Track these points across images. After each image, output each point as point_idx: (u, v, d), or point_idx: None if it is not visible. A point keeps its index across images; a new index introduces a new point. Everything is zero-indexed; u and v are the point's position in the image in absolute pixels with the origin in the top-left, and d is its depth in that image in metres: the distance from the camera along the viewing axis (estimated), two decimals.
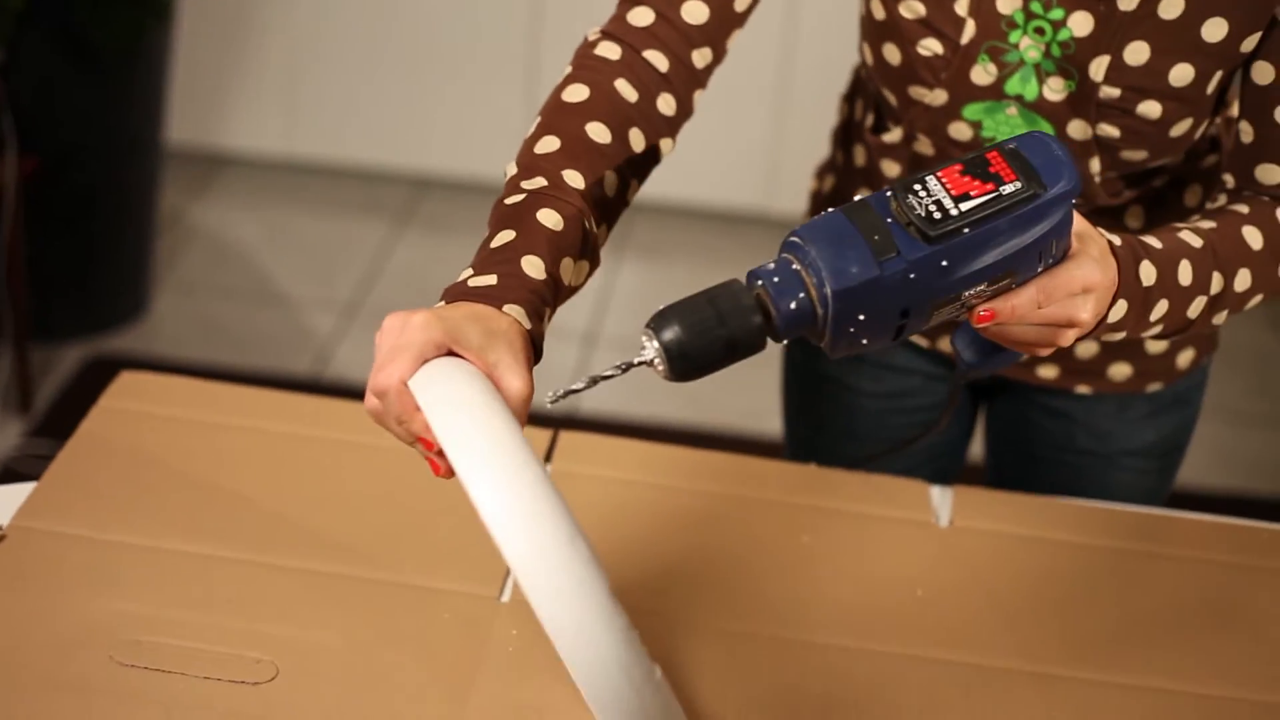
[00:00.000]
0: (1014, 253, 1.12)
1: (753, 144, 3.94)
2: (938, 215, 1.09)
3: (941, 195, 1.10)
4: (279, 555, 1.33)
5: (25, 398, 3.15)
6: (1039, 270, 1.15)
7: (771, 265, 1.10)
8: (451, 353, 1.10)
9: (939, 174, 1.11)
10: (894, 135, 1.52)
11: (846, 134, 1.66)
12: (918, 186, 1.10)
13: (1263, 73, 1.34)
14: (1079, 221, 1.19)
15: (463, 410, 1.04)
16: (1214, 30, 1.32)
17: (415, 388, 1.07)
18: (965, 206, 1.09)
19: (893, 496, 1.50)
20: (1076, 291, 1.17)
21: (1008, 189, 1.11)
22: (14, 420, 3.13)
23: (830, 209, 1.11)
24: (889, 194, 1.10)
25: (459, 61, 3.88)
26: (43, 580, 1.28)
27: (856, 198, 1.12)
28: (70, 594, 1.27)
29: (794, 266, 1.09)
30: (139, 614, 1.25)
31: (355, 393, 1.41)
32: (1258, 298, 1.35)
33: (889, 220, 1.09)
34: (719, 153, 3.89)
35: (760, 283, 1.09)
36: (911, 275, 1.09)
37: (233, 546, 1.34)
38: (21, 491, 1.37)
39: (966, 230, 1.09)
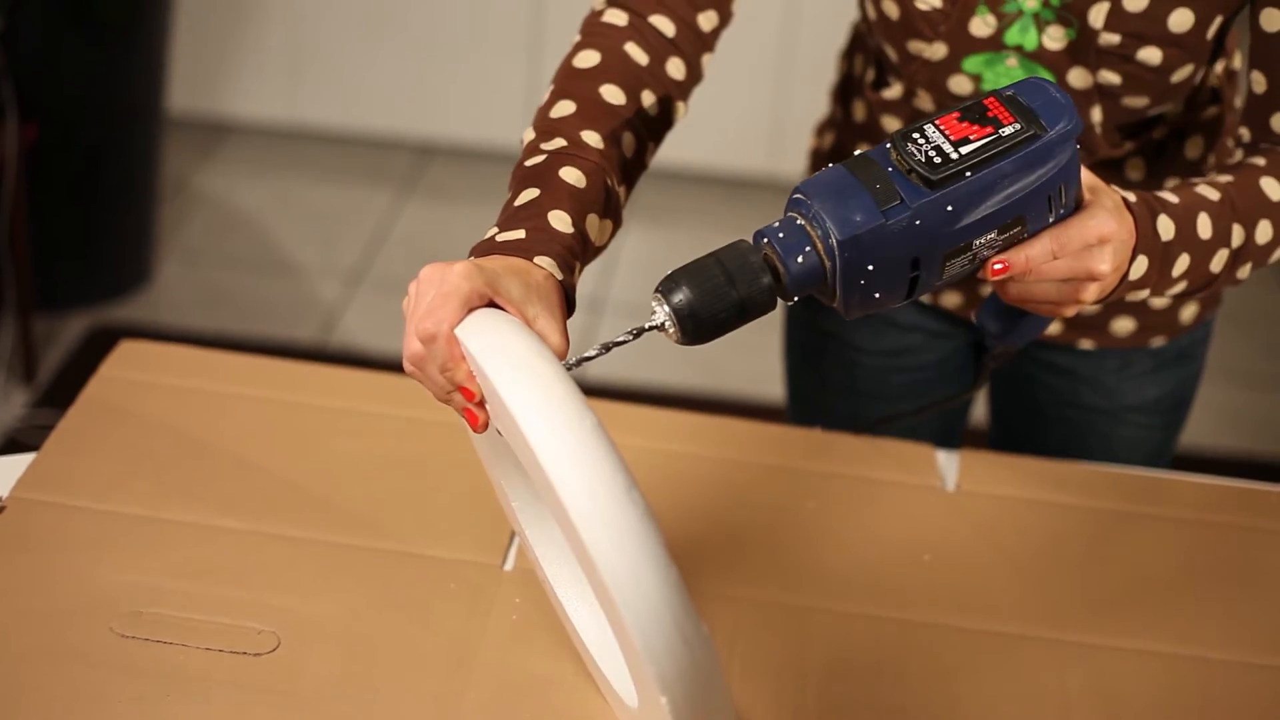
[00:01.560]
0: (1021, 197, 1.11)
1: (756, 107, 3.92)
2: (938, 160, 1.08)
3: (941, 141, 1.09)
4: (280, 525, 1.33)
5: (29, 368, 3.15)
6: (1050, 220, 1.15)
7: (777, 223, 1.10)
8: (491, 304, 1.09)
9: (937, 121, 1.11)
10: (894, 91, 1.51)
11: (846, 90, 1.65)
12: (916, 135, 1.10)
13: (1271, 20, 1.33)
14: (1090, 176, 1.18)
15: (518, 360, 1.03)
16: None
17: (463, 336, 1.06)
18: (965, 150, 1.09)
19: (898, 461, 1.49)
20: (1092, 242, 1.16)
21: (1007, 130, 1.10)
22: (18, 390, 3.13)
23: (831, 165, 1.11)
24: (889, 145, 1.10)
25: (463, 28, 3.87)
26: (43, 551, 1.27)
27: (856, 152, 1.12)
28: (70, 565, 1.26)
29: (799, 222, 1.09)
30: (139, 584, 1.24)
31: (360, 360, 1.40)
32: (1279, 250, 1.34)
33: (890, 169, 1.09)
34: (723, 117, 3.87)
35: (767, 241, 1.09)
36: (917, 222, 1.08)
37: (234, 516, 1.33)
38: (24, 462, 1.37)
39: (969, 173, 1.09)
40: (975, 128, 1.10)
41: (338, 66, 3.95)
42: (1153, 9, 1.34)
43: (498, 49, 3.87)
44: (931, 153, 1.09)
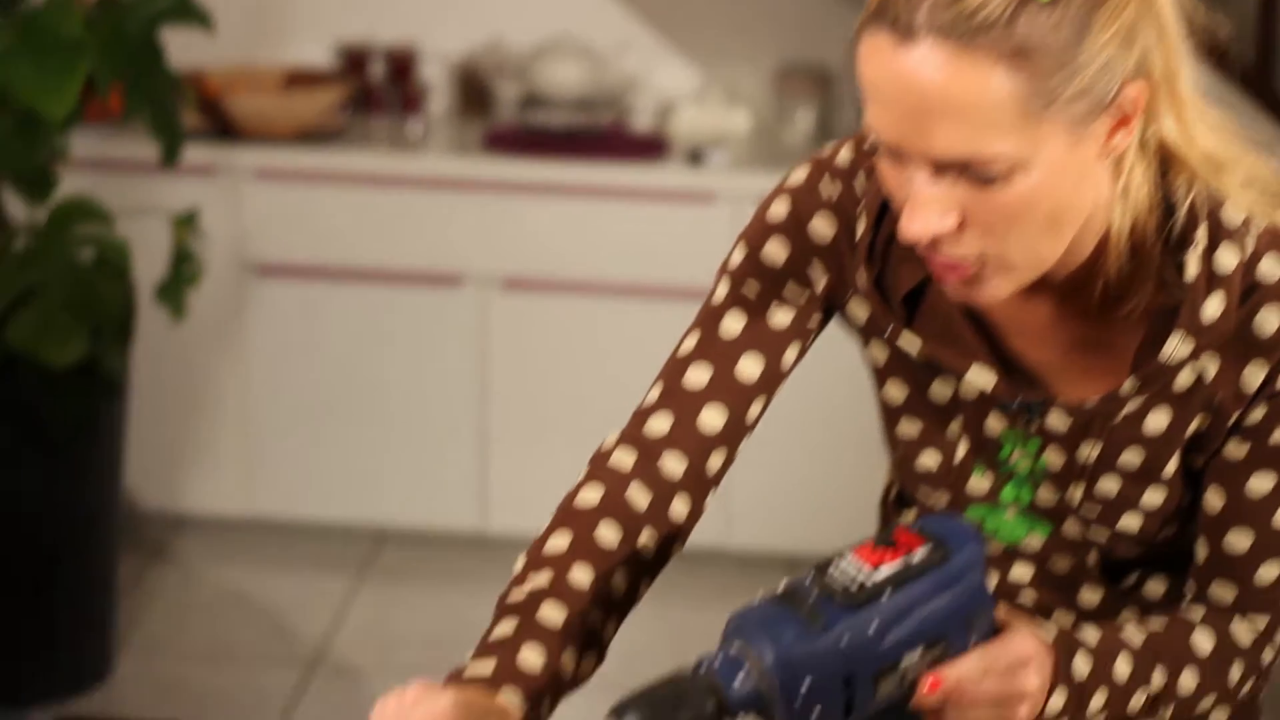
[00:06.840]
0: (940, 617, 1.20)
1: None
2: (855, 587, 1.18)
3: (858, 568, 1.19)
4: None
5: None
6: (971, 640, 1.23)
7: (716, 650, 1.17)
8: None
9: (854, 550, 1.20)
10: (909, 518, 1.54)
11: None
12: (835, 564, 1.19)
13: (1213, 500, 1.38)
14: (1004, 607, 1.26)
15: None
16: (1174, 466, 1.38)
17: None
18: (880, 575, 1.18)
19: None
20: (1016, 661, 1.23)
21: (917, 556, 1.20)
22: None
23: (761, 596, 1.19)
24: (810, 575, 1.19)
25: (412, 417, 3.97)
26: None
27: (781, 586, 1.21)
28: None
29: (735, 648, 1.16)
30: None
31: None
32: (1210, 698, 1.37)
33: (814, 596, 1.17)
34: None
35: (709, 666, 1.16)
36: (843, 643, 1.16)
37: None
38: None
39: (885, 596, 1.18)
40: (889, 553, 1.20)
41: (290, 458, 4.03)
42: (1125, 491, 1.39)
43: (447, 437, 3.97)
44: (850, 579, 1.18)
